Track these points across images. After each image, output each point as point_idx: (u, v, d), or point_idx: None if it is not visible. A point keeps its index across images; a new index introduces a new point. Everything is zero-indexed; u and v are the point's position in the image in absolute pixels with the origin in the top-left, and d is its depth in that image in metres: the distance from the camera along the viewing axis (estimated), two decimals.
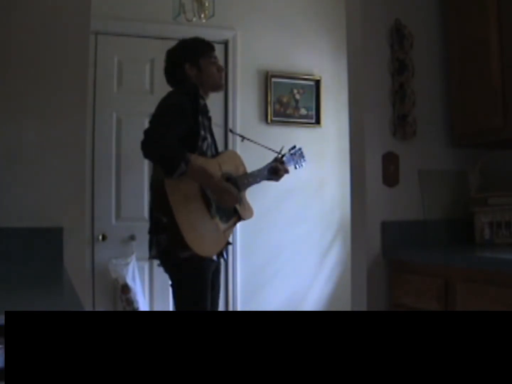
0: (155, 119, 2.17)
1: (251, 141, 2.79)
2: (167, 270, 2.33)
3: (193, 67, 2.37)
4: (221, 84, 2.47)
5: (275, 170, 2.61)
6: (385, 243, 2.33)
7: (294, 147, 2.81)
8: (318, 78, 3.91)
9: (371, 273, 2.32)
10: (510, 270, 1.75)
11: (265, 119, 3.79)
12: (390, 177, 2.37)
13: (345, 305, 3.41)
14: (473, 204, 2.37)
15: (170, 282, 2.34)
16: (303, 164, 2.85)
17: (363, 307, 2.33)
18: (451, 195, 2.47)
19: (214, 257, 2.34)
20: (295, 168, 2.81)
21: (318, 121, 3.92)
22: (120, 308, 3.31)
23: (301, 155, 2.83)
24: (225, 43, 3.73)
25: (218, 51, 3.64)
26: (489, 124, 2.19)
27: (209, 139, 2.36)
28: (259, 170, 2.57)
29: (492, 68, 2.16)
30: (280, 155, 2.69)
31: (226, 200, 2.29)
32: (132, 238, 3.43)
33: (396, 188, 2.38)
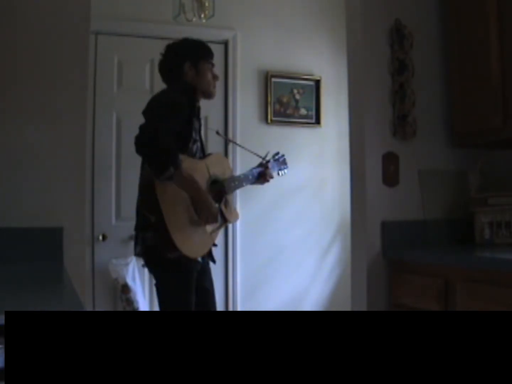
0: (152, 114, 2.13)
1: (237, 144, 2.79)
2: (152, 269, 2.33)
3: (192, 68, 2.35)
4: (213, 91, 2.44)
5: (262, 175, 2.62)
6: (385, 243, 2.33)
7: (277, 153, 2.82)
8: (318, 78, 3.91)
9: (371, 273, 2.32)
10: (510, 270, 1.75)
11: (265, 119, 3.79)
12: (390, 177, 2.37)
13: (345, 305, 3.41)
14: (473, 204, 2.37)
15: (154, 282, 2.33)
16: (286, 171, 2.86)
17: (363, 307, 2.33)
18: (451, 195, 2.47)
19: (199, 259, 2.34)
20: (278, 174, 2.81)
21: (318, 121, 3.92)
22: (120, 308, 3.31)
23: (284, 162, 2.84)
24: (225, 43, 3.73)
25: (218, 51, 3.67)
26: (489, 124, 2.19)
27: (199, 142, 2.37)
28: (245, 174, 2.58)
29: (492, 68, 2.16)
30: (265, 161, 2.69)
31: (205, 215, 2.24)
32: (132, 238, 3.41)
33: (396, 188, 2.38)
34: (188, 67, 2.35)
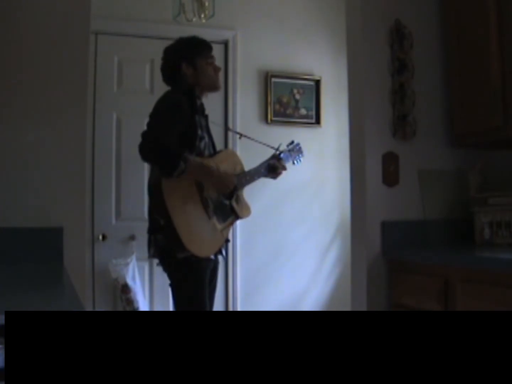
0: (152, 121, 2.18)
1: (249, 138, 2.80)
2: (166, 269, 2.35)
3: (190, 67, 2.38)
4: (217, 84, 2.47)
5: (273, 168, 2.62)
6: (385, 243, 2.33)
7: (292, 142, 2.81)
8: (318, 78, 3.91)
9: (371, 273, 2.32)
10: (510, 270, 1.75)
11: (265, 119, 3.79)
12: (390, 177, 2.37)
13: (345, 305, 3.41)
14: (473, 204, 2.37)
15: (169, 282, 2.35)
16: (301, 159, 2.85)
17: (363, 307, 2.33)
18: (451, 195, 2.47)
19: (212, 256, 2.35)
20: (293, 163, 2.81)
21: (318, 121, 3.92)
22: (120, 308, 3.31)
23: (299, 151, 2.82)
24: (225, 43, 3.73)
25: (218, 51, 3.66)
26: (489, 124, 2.19)
27: (206, 139, 2.38)
28: (256, 168, 2.58)
29: (492, 68, 2.16)
30: (277, 152, 2.69)
31: (226, 186, 2.32)
32: (132, 238, 3.43)
33: (396, 188, 2.38)
34: (185, 67, 2.37)
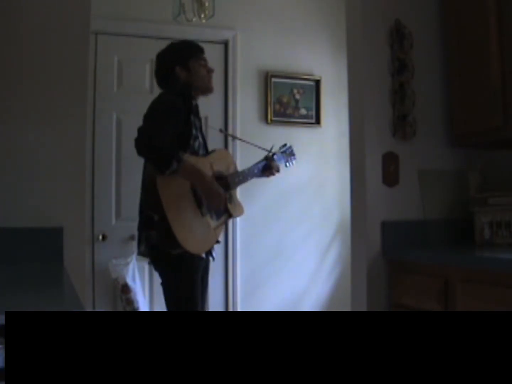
0: (149, 117, 2.19)
1: (242, 140, 2.81)
2: (158, 267, 2.35)
3: (183, 70, 2.39)
4: (210, 86, 2.48)
5: (267, 168, 2.64)
6: (385, 243, 2.33)
7: (285, 145, 2.84)
8: (318, 78, 3.91)
9: (371, 273, 2.32)
10: (510, 270, 1.75)
11: (265, 119, 3.79)
12: (390, 177, 2.37)
13: (345, 305, 3.41)
14: (473, 204, 2.37)
15: (160, 281, 2.35)
16: (294, 162, 2.88)
17: (363, 307, 2.33)
18: (451, 195, 2.47)
19: (203, 255, 2.36)
20: (286, 166, 2.83)
21: (318, 121, 3.92)
22: (120, 308, 3.31)
23: (292, 153, 2.86)
24: (225, 43, 3.73)
25: (218, 51, 3.67)
26: (489, 124, 2.19)
27: (200, 139, 2.40)
28: (249, 169, 2.60)
29: (492, 68, 2.16)
30: (270, 153, 2.71)
31: (215, 201, 2.30)
32: (132, 238, 3.43)
33: (396, 188, 2.38)
34: (179, 70, 2.39)
